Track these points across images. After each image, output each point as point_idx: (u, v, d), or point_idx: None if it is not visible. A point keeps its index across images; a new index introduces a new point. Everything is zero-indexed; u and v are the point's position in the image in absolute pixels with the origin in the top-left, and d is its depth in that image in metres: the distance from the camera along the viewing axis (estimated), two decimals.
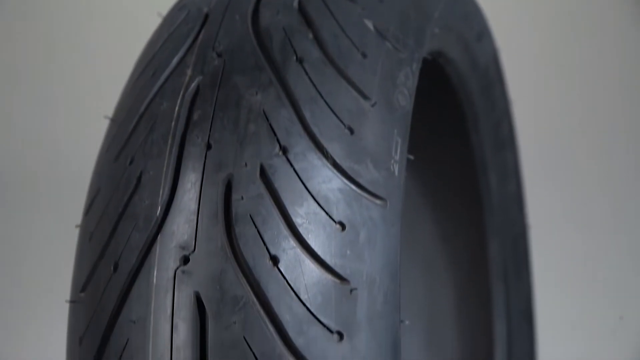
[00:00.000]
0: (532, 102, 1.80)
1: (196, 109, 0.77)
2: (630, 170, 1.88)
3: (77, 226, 0.83)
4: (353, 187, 0.76)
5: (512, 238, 1.51)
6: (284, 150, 0.75)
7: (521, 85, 1.53)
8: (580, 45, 1.90)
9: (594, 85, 1.89)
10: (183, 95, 0.78)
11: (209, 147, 0.75)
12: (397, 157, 0.80)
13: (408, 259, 1.48)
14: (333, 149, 0.76)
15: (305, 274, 0.73)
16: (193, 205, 0.74)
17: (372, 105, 0.79)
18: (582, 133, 1.89)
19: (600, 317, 1.81)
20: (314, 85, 0.77)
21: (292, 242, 0.73)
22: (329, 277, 0.73)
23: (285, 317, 0.71)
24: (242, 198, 0.73)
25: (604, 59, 1.88)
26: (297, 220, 0.73)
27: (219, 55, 0.79)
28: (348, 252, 0.74)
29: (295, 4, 0.81)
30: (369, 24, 0.83)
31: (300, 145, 0.75)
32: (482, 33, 1.25)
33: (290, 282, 0.72)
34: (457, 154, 1.41)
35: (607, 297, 1.82)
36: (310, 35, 0.79)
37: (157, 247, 0.74)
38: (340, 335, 0.73)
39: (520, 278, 1.54)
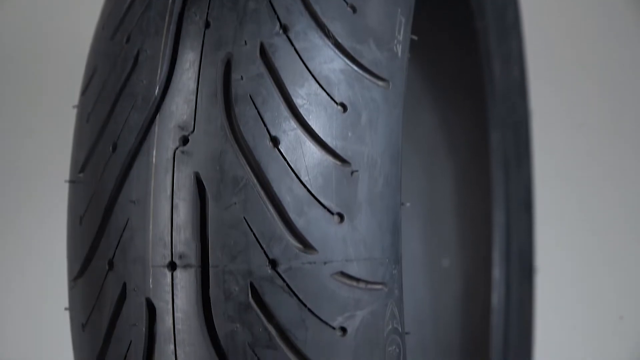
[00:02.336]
0: None
1: None
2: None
3: (74, 106, 0.82)
4: (355, 67, 0.74)
5: (513, 126, 1.50)
6: (285, 29, 0.73)
7: None
8: None
9: None
10: None
11: (207, 25, 0.73)
12: (401, 38, 0.78)
13: (408, 146, 1.47)
14: (335, 28, 0.74)
15: (306, 156, 0.72)
16: (192, 85, 0.73)
17: None
18: (589, 20, 1.86)
19: (600, 317, 1.81)
20: None
21: (292, 123, 0.72)
22: (329, 158, 0.73)
23: (286, 199, 0.71)
24: (242, 78, 0.72)
25: None
26: (298, 101, 0.72)
27: None
28: (349, 134, 0.74)
29: None
30: None
31: (301, 24, 0.73)
32: None
33: (290, 163, 0.72)
34: (461, 40, 1.39)
35: (607, 297, 1.82)
36: None
37: (156, 127, 0.73)
38: (341, 217, 0.73)
39: (520, 167, 1.54)
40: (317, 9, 0.74)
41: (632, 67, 1.85)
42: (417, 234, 1.56)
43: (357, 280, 0.73)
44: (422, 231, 1.57)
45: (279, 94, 0.72)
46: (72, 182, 0.79)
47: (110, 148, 0.75)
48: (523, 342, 1.54)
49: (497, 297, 1.50)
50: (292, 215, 0.71)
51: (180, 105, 0.73)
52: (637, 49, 1.83)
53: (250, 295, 0.70)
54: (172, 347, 0.72)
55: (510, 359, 1.49)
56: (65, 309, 0.80)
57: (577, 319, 1.80)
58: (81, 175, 0.77)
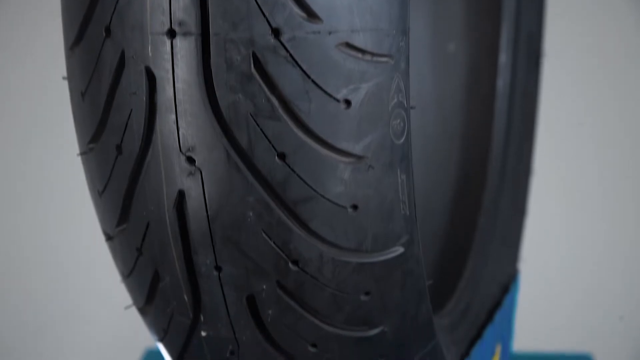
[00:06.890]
0: None
1: None
2: None
3: None
4: None
5: None
6: None
7: None
8: None
9: None
10: None
11: None
12: None
13: None
14: None
15: None
16: None
17: None
18: None
19: (600, 317, 1.79)
20: None
21: None
22: None
23: None
24: None
25: None
26: None
27: None
28: None
29: None
30: None
31: None
32: None
33: None
34: None
35: (607, 297, 1.80)
36: None
37: None
38: None
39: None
40: None
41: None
42: (422, 16, 1.52)
43: (363, 51, 0.71)
44: (428, 14, 1.53)
45: None
46: None
47: None
48: (526, 128, 1.54)
49: (502, 82, 1.48)
50: None
51: None
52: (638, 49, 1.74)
53: (252, 65, 0.68)
54: (173, 117, 0.71)
55: (512, 144, 1.49)
56: (64, 78, 0.78)
57: (577, 319, 1.82)
58: None
